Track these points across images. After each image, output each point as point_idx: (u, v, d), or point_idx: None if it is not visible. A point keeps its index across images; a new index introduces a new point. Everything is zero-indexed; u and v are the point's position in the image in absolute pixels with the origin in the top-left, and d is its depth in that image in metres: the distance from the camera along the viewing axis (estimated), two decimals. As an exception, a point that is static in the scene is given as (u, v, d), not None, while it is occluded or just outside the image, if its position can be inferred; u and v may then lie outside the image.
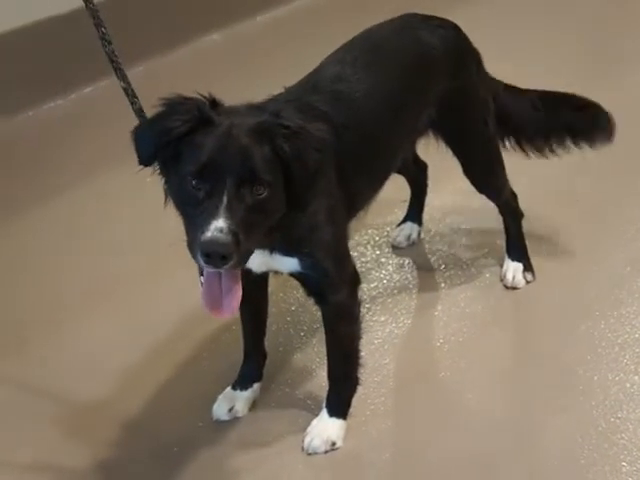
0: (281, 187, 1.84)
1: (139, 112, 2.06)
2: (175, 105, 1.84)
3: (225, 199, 1.74)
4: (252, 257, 1.89)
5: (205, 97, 1.86)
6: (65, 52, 3.70)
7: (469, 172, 2.55)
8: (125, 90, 2.07)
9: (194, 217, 1.78)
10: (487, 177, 2.60)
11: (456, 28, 2.45)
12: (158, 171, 1.90)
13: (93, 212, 3.16)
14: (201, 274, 1.87)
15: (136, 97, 2.07)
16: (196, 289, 2.56)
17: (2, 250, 2.99)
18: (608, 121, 2.61)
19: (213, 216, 1.73)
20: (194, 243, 1.77)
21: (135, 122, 2.01)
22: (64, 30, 3.66)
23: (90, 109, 3.73)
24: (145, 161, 1.87)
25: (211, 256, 1.73)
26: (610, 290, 2.64)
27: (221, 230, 1.72)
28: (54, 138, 3.60)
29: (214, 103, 1.87)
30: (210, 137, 1.79)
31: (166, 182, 1.90)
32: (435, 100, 2.36)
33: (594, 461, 2.12)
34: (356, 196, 2.21)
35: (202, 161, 1.77)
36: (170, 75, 3.97)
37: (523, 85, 2.65)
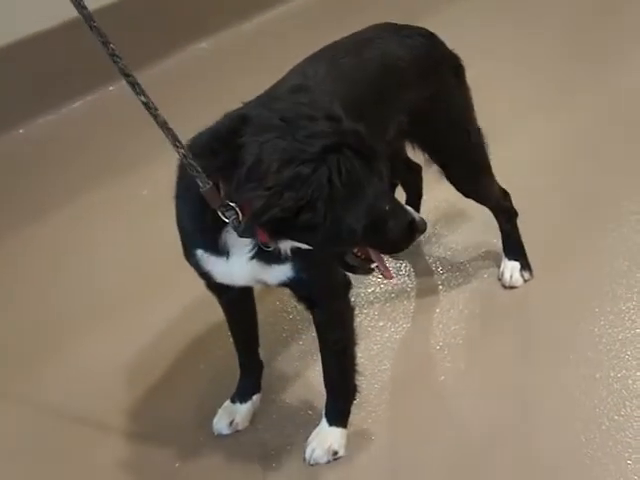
0: None
1: (163, 125, 1.85)
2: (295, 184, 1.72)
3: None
4: (239, 270, 1.89)
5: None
6: (54, 67, 3.69)
7: (451, 179, 2.51)
8: (146, 105, 1.86)
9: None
10: (470, 184, 2.56)
11: (428, 36, 2.36)
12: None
13: (87, 228, 3.12)
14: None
15: (157, 110, 1.87)
16: (191, 302, 2.62)
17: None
18: None
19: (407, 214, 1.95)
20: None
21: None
22: (52, 45, 3.64)
23: (81, 123, 3.71)
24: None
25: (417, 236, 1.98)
26: (609, 286, 2.62)
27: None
28: (47, 153, 3.57)
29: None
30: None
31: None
32: (404, 110, 2.29)
33: (598, 460, 2.11)
34: None
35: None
36: (159, 84, 3.94)
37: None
